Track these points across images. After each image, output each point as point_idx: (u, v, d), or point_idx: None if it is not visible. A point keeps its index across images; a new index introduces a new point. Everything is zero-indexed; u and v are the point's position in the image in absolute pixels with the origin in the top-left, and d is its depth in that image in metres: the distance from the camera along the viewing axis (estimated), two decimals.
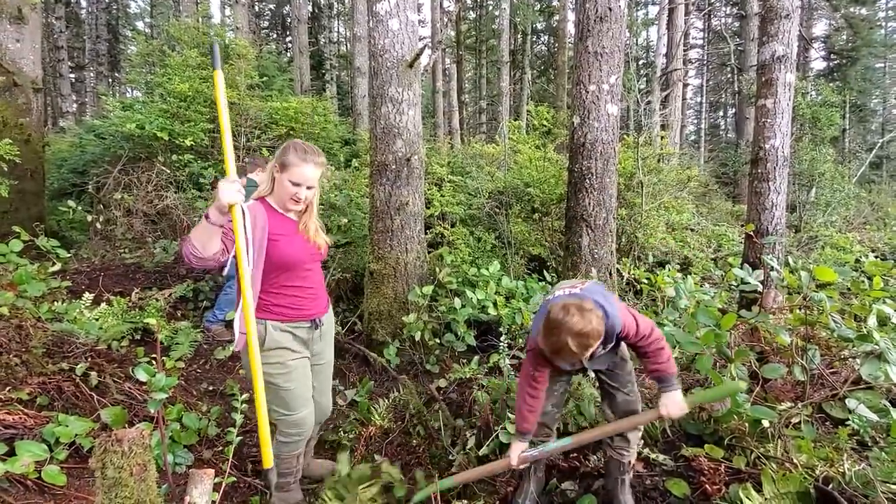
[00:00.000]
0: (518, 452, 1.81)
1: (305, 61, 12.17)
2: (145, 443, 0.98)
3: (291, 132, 7.34)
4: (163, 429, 1.76)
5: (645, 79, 16.37)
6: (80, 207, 5.30)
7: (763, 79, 3.82)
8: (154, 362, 3.06)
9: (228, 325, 3.95)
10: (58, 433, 1.94)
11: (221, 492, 1.36)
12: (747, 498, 1.58)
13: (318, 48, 15.39)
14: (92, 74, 18.98)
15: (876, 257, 4.98)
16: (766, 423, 2.03)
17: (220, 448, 2.51)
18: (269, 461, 1.59)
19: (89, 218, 5.46)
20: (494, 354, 3.12)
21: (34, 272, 2.88)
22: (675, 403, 1.64)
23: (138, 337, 3.42)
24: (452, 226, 5.21)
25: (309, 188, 1.85)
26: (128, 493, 0.91)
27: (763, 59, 3.83)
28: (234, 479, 2.08)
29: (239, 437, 1.79)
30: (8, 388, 2.11)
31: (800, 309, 2.48)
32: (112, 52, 20.01)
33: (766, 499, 1.59)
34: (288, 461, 2.02)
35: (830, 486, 1.66)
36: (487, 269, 3.72)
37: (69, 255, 3.61)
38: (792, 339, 2.33)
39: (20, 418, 1.95)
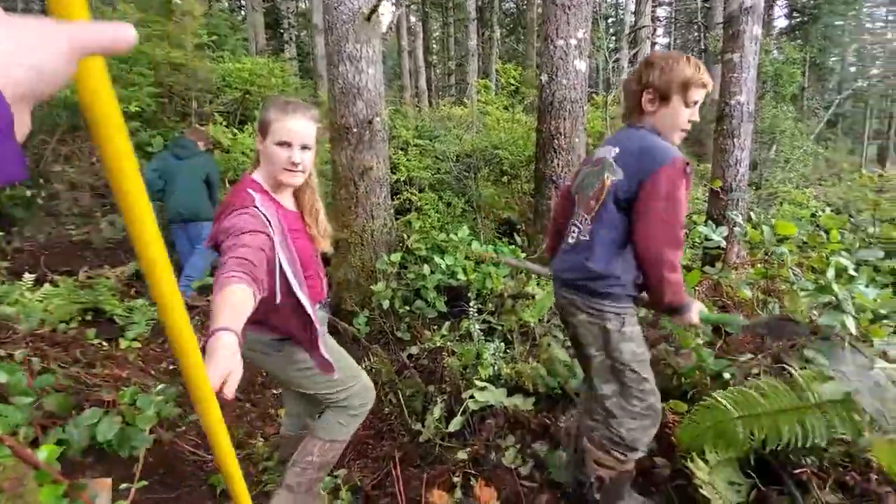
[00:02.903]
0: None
1: (260, 19, 11.40)
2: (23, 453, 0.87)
3: (248, 96, 6.92)
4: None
5: (614, 37, 16.16)
6: (18, 183, 4.90)
7: (730, 31, 3.76)
8: (107, 343, 2.92)
9: (200, 290, 3.89)
10: None
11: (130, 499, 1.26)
12: (697, 469, 1.61)
13: (273, 4, 14.42)
14: None
15: (832, 212, 5.15)
16: (727, 376, 2.08)
17: (183, 428, 2.42)
18: None
19: (29, 193, 5.07)
20: (465, 320, 3.10)
21: None
22: None
23: (89, 318, 3.23)
24: (420, 191, 5.08)
25: (304, 148, 1.43)
26: None
27: (730, 11, 3.76)
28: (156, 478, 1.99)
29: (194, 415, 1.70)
30: None
31: (761, 263, 2.53)
32: (43, 7, 18.27)
33: (711, 467, 1.62)
34: (338, 450, 1.77)
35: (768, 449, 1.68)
36: (456, 234, 3.65)
37: (2, 233, 3.33)
38: (753, 292, 2.38)
39: None
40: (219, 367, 0.81)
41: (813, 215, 5.82)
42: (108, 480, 1.12)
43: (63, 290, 3.26)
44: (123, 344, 2.95)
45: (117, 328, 3.21)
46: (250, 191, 1.38)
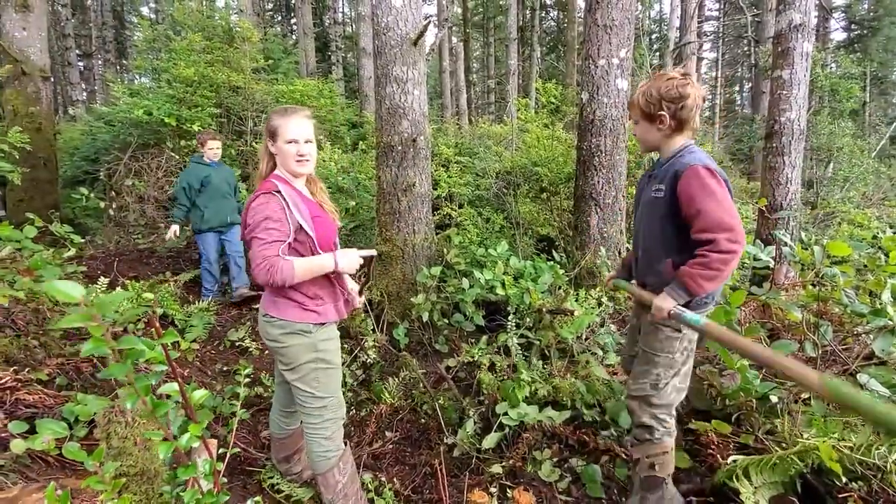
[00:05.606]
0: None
1: (310, 43, 12.05)
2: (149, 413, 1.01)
3: None
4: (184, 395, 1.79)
5: (657, 53, 15.94)
6: (92, 195, 5.37)
7: (779, 49, 3.69)
8: (169, 344, 3.15)
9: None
10: (77, 411, 1.99)
11: (226, 462, 1.38)
12: (742, 488, 1.60)
13: (323, 29, 15.19)
14: (100, 62, 19.01)
15: (894, 233, 4.85)
16: (774, 399, 2.02)
17: (235, 425, 2.58)
18: None
19: (102, 205, 5.54)
20: (502, 334, 3.13)
21: (49, 258, 2.94)
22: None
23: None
24: (460, 207, 5.18)
25: (307, 142, 1.74)
26: (132, 461, 0.94)
27: (779, 29, 3.70)
28: (238, 450, 2.13)
29: (246, 414, 1.83)
30: (27, 370, 2.18)
31: (812, 285, 2.44)
32: (119, 38, 19.97)
33: (755, 488, 1.61)
34: (347, 456, 1.88)
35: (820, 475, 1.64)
36: (495, 249, 3.71)
37: (83, 241, 3.67)
38: (803, 315, 2.30)
39: (40, 398, 2.01)
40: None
41: (874, 237, 5.49)
42: (214, 441, 1.25)
43: (132, 293, 3.55)
44: (183, 345, 3.18)
45: (178, 330, 3.46)
46: (273, 181, 1.70)
